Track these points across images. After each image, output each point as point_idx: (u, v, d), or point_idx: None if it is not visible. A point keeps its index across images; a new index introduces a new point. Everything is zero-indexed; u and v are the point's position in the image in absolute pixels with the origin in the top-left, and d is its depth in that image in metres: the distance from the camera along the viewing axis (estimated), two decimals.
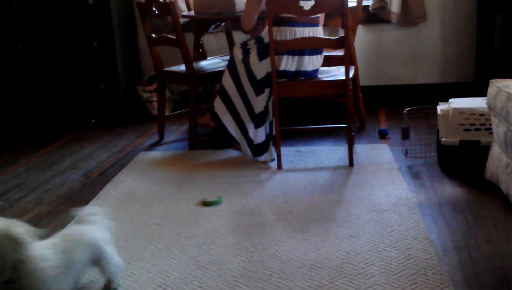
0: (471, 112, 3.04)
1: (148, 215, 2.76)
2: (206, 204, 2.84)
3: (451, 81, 4.72)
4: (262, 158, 3.44)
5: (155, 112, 4.67)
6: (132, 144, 4.02)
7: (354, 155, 3.38)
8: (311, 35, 3.34)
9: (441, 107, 3.21)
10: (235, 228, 2.57)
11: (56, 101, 4.63)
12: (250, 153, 3.46)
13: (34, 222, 2.78)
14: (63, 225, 2.70)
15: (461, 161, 3.08)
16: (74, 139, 4.24)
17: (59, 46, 4.55)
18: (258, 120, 3.43)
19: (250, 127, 3.45)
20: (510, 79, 2.74)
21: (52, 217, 2.84)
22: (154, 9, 3.75)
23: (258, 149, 3.44)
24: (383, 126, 4.05)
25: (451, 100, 3.22)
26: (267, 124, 3.45)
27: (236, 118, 3.50)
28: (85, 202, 2.97)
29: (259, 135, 3.44)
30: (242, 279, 2.13)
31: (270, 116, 3.43)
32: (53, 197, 3.11)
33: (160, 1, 3.69)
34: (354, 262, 2.21)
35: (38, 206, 2.99)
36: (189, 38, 4.24)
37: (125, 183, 3.20)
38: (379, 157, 3.40)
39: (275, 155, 3.39)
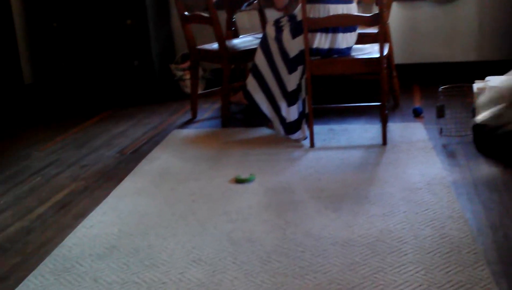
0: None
1: (182, 192, 2.79)
2: (239, 181, 2.86)
3: (488, 59, 4.63)
4: (294, 136, 3.44)
5: (188, 90, 4.70)
6: (165, 121, 4.05)
7: (387, 134, 3.35)
8: (345, 12, 3.30)
9: (477, 85, 3.16)
10: (268, 206, 2.58)
11: (91, 79, 4.69)
12: (282, 131, 3.47)
13: (71, 198, 2.84)
14: (98, 201, 2.76)
15: (497, 140, 3.02)
16: (108, 116, 4.29)
17: (93, 24, 4.59)
18: (291, 98, 3.42)
19: (283, 105, 3.44)
20: None
21: (88, 193, 2.89)
22: None
23: (291, 127, 3.44)
24: (418, 104, 4.00)
25: (487, 78, 3.16)
26: (300, 102, 3.44)
27: (269, 96, 3.50)
28: (120, 178, 3.02)
29: (291, 113, 3.43)
30: (275, 255, 2.14)
31: (303, 94, 3.42)
32: (89, 173, 3.17)
33: None
34: (387, 240, 2.20)
35: (74, 182, 3.05)
36: (222, 16, 4.23)
37: (159, 160, 3.24)
38: (413, 135, 3.37)
39: (307, 133, 3.39)
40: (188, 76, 4.69)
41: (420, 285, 1.89)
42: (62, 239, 2.38)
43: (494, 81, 3.06)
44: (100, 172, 3.17)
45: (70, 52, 4.68)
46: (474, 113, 3.14)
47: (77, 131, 3.97)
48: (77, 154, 3.49)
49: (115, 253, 2.25)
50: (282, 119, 3.45)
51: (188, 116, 4.13)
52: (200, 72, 4.75)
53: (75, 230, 2.46)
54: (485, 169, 2.83)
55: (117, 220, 2.53)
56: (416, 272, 1.97)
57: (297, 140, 3.41)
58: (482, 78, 3.42)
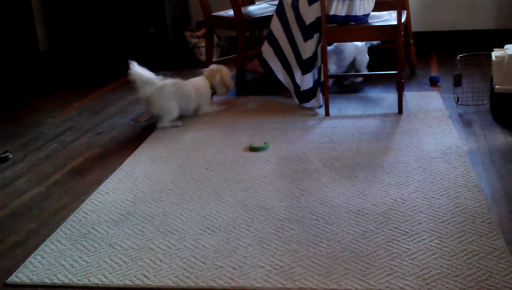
0: None
1: (196, 159, 2.80)
2: (253, 149, 2.86)
3: (507, 27, 4.54)
4: (309, 104, 3.42)
5: (203, 57, 4.66)
6: None
7: (403, 103, 3.32)
8: None
9: (496, 53, 3.11)
10: (282, 174, 2.58)
11: (106, 46, 4.68)
12: (296, 99, 3.45)
13: (86, 164, 2.86)
14: (114, 168, 2.77)
15: None
16: (123, 84, 4.29)
17: None
18: (306, 66, 3.39)
19: (297, 73, 3.42)
20: None
21: (103, 159, 2.91)
22: None
23: (304, 95, 3.42)
24: (434, 73, 3.95)
25: (506, 46, 3.11)
26: (315, 70, 3.42)
27: (284, 64, 3.47)
28: (135, 145, 3.03)
29: (306, 81, 3.40)
30: (289, 223, 2.15)
31: (319, 62, 3.39)
32: (104, 140, 3.18)
33: None
34: (401, 209, 2.20)
35: (90, 149, 3.07)
36: None
37: (173, 128, 3.24)
38: (429, 104, 3.34)
39: (322, 102, 3.37)
40: (203, 44, 4.66)
41: (433, 254, 1.90)
42: (78, 205, 2.41)
43: None
44: (115, 139, 3.18)
45: (85, 19, 4.66)
46: (492, 82, 3.09)
47: (92, 99, 3.98)
48: (92, 121, 3.51)
49: (130, 219, 2.27)
50: (296, 87, 3.43)
51: None
52: (215, 40, 4.72)
53: (91, 196, 2.49)
54: (501, 139, 2.81)
55: (132, 187, 2.55)
56: (430, 241, 1.97)
57: (312, 109, 3.39)
58: (500, 46, 3.36)
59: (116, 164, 2.83)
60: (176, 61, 4.70)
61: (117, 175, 2.68)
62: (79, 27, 4.68)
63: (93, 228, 2.23)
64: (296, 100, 3.45)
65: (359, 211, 2.21)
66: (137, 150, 2.97)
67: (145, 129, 3.29)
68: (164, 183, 2.57)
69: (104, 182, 2.61)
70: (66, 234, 2.19)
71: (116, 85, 4.27)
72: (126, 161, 2.84)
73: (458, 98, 3.27)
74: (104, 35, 4.66)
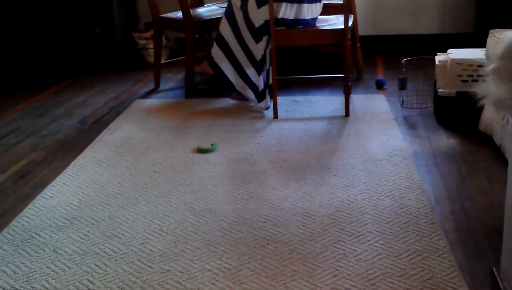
0: (469, 63, 3.01)
1: (144, 162, 2.77)
2: (201, 151, 2.85)
3: (450, 31, 4.67)
4: (261, 104, 3.43)
5: (151, 59, 4.63)
6: (128, 91, 4.00)
7: (350, 105, 3.37)
8: None
9: (439, 57, 3.19)
10: (231, 176, 2.58)
11: (52, 47, 4.58)
12: (252, 97, 3.44)
13: (30, 168, 2.79)
14: (59, 171, 2.72)
15: (457, 113, 3.07)
16: (69, 85, 4.22)
17: None
18: (259, 66, 3.40)
19: (251, 72, 3.41)
20: (510, 30, 2.72)
21: (48, 163, 2.85)
22: None
23: (261, 95, 3.43)
24: (381, 76, 4.03)
25: (449, 50, 3.20)
26: (264, 73, 3.43)
27: (235, 65, 3.47)
28: (81, 148, 2.97)
29: (260, 81, 3.42)
30: (237, 226, 2.15)
31: (267, 65, 3.41)
32: (48, 143, 3.11)
33: None
34: (348, 210, 2.23)
35: (34, 151, 3.00)
36: None
37: (121, 130, 3.20)
38: (376, 107, 3.40)
39: (271, 104, 3.39)
40: (151, 45, 4.62)
41: (378, 255, 1.93)
42: (21, 210, 2.35)
43: (455, 54, 3.09)
44: (60, 142, 3.12)
45: (30, 19, 4.55)
46: (435, 85, 3.17)
47: (37, 100, 3.89)
48: (37, 124, 3.42)
49: (75, 223, 2.23)
50: (253, 86, 3.43)
51: (151, 85, 4.08)
52: (164, 41, 4.69)
53: (34, 200, 2.43)
54: (444, 141, 2.88)
55: (78, 191, 2.50)
56: (375, 242, 2.01)
57: (260, 111, 3.40)
58: (444, 50, 3.45)
59: (61, 167, 2.77)
60: (124, 63, 4.64)
61: (62, 179, 2.62)
62: (23, 27, 4.56)
63: (36, 233, 2.17)
64: (253, 99, 3.44)
65: (306, 213, 2.23)
66: (83, 153, 2.92)
67: (92, 132, 3.23)
68: (110, 187, 2.53)
69: (49, 186, 2.56)
70: (8, 240, 2.13)
71: (62, 87, 4.18)
72: (71, 164, 2.79)
73: (403, 101, 3.34)
74: (50, 36, 4.56)
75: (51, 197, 2.45)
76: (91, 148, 2.98)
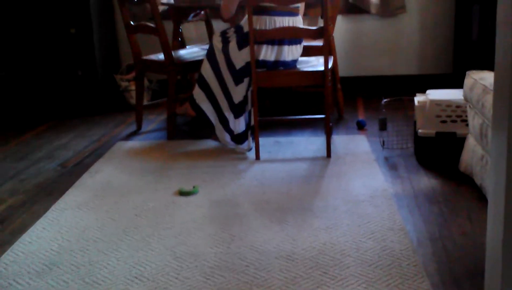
0: (448, 104, 3.06)
1: (125, 205, 2.75)
2: (182, 193, 2.83)
3: (429, 72, 4.75)
4: (243, 145, 3.44)
5: (133, 101, 4.64)
6: (109, 133, 3.99)
7: (332, 146, 3.39)
8: (291, 24, 3.33)
9: (418, 98, 3.23)
10: (213, 219, 2.57)
11: (33, 89, 4.57)
12: (228, 140, 3.46)
13: (9, 212, 2.75)
14: (38, 215, 2.68)
15: (437, 153, 3.10)
16: (50, 127, 4.20)
17: (35, 32, 4.48)
18: (238, 110, 3.43)
19: (230, 117, 3.44)
20: (486, 71, 2.77)
21: (27, 207, 2.81)
22: None
23: (239, 138, 3.44)
24: (361, 117, 4.07)
25: (428, 91, 3.24)
26: (246, 114, 3.45)
27: (216, 107, 3.49)
28: (61, 192, 2.94)
29: (239, 125, 3.43)
30: (219, 270, 2.13)
31: (249, 106, 3.43)
32: (28, 186, 3.08)
33: None
34: (330, 253, 2.22)
35: (14, 195, 2.96)
36: (168, 26, 4.21)
37: (102, 173, 3.18)
38: (357, 148, 3.42)
39: (253, 145, 3.40)
40: (133, 87, 4.64)
41: None
42: None
43: (434, 95, 3.14)
44: (40, 186, 3.09)
45: (11, 60, 4.55)
46: (415, 125, 3.21)
47: (17, 143, 3.86)
48: (16, 167, 3.39)
49: (54, 270, 2.19)
50: (230, 131, 3.45)
51: (133, 127, 4.08)
52: (146, 83, 4.71)
53: (13, 246, 2.38)
54: (425, 181, 2.90)
55: (57, 236, 2.46)
56: (358, 285, 1.99)
57: (243, 153, 3.41)
58: (423, 91, 3.51)
59: (40, 211, 2.73)
60: (106, 105, 4.64)
61: (41, 223, 2.59)
62: (4, 69, 4.56)
63: (14, 280, 2.13)
64: (228, 142, 3.46)
65: (289, 256, 2.21)
66: (63, 196, 2.89)
67: (73, 175, 3.20)
68: (91, 231, 2.50)
69: (28, 231, 2.52)
70: None
71: (44, 129, 4.16)
72: (51, 208, 2.75)
73: (383, 141, 3.37)
74: (31, 77, 4.56)
75: (30, 242, 2.41)
76: (71, 191, 2.95)
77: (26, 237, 2.47)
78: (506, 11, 1.49)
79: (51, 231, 2.51)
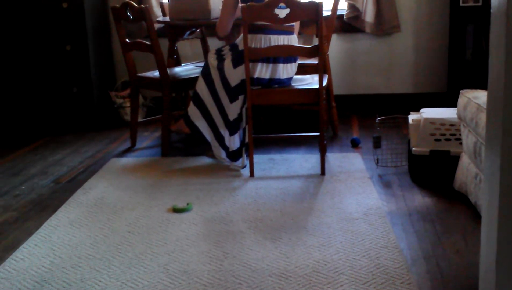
0: (442, 122, 3.07)
1: (118, 222, 2.73)
2: (176, 210, 2.83)
3: (423, 91, 4.77)
4: (238, 162, 3.44)
5: (128, 118, 4.64)
6: (104, 150, 3.98)
7: (326, 164, 3.39)
8: (286, 43, 3.35)
9: (412, 117, 3.24)
10: (206, 236, 2.56)
11: (28, 105, 4.57)
12: (224, 157, 3.46)
13: (1, 229, 2.73)
14: (31, 232, 2.66)
15: (431, 171, 3.11)
16: (45, 144, 4.19)
17: (32, 49, 4.49)
18: (233, 127, 3.43)
19: (225, 134, 3.44)
20: (480, 90, 2.78)
21: (20, 223, 2.80)
22: (128, 14, 3.72)
23: (234, 155, 3.44)
24: (356, 135, 4.08)
25: (422, 110, 3.25)
26: (241, 131, 3.45)
27: (211, 124, 3.49)
28: (54, 209, 2.93)
29: (234, 142, 3.44)
30: (212, 288, 2.12)
31: (244, 124, 3.43)
32: (22, 203, 3.06)
33: (135, 6, 3.67)
34: (324, 271, 2.21)
35: (7, 212, 2.95)
36: (164, 44, 4.22)
37: (95, 190, 3.17)
38: (351, 166, 3.42)
39: (247, 162, 3.39)
40: (128, 104, 4.64)
41: None
42: None
43: (428, 113, 3.15)
44: (33, 202, 3.07)
45: (7, 77, 4.55)
46: (409, 144, 3.21)
47: (11, 159, 3.85)
48: (10, 183, 3.38)
49: (46, 287, 2.17)
50: (225, 148, 3.45)
51: (128, 144, 4.07)
52: (141, 100, 4.71)
53: (5, 263, 2.37)
54: (419, 199, 2.90)
55: (49, 252, 2.45)
56: None
57: (237, 170, 3.40)
58: (417, 109, 3.52)
59: (33, 228, 2.72)
60: (101, 121, 4.64)
61: (33, 240, 2.57)
62: (0, 85, 4.56)
63: None
64: (224, 159, 3.46)
65: (282, 273, 2.20)
66: (56, 213, 2.87)
67: (66, 191, 3.19)
68: (83, 248, 2.48)
69: (19, 248, 2.50)
70: None
71: (38, 145, 4.15)
72: (44, 224, 2.74)
73: (378, 159, 3.37)
74: (27, 94, 4.56)
75: (22, 259, 2.40)
76: (64, 208, 2.93)
77: (18, 253, 2.45)
78: (499, 32, 1.50)
79: (43, 248, 2.49)
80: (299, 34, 3.90)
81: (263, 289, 2.10)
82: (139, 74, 3.94)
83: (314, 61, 3.88)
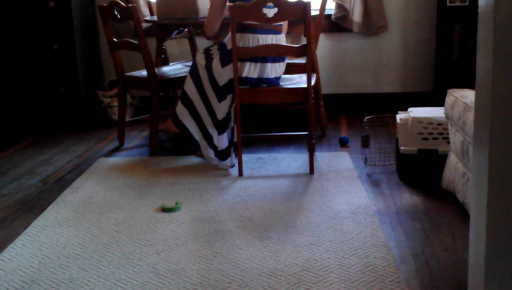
0: (429, 121, 3.09)
1: (106, 222, 2.72)
2: (165, 210, 2.82)
3: (411, 90, 4.80)
4: (226, 162, 3.44)
5: (115, 117, 4.62)
6: (91, 149, 3.96)
7: (314, 163, 3.40)
8: (274, 42, 3.35)
9: (400, 116, 3.26)
10: (195, 235, 2.55)
11: (16, 105, 4.54)
12: (212, 156, 3.45)
13: None
14: (18, 232, 2.64)
15: (419, 170, 3.12)
16: (32, 143, 4.16)
17: (18, 48, 4.46)
18: (221, 127, 3.43)
19: (214, 133, 3.44)
20: (467, 89, 2.80)
21: (7, 223, 2.77)
22: (116, 13, 3.71)
23: (223, 154, 3.44)
24: (344, 134, 4.09)
25: (410, 109, 3.27)
26: (229, 130, 3.45)
27: (199, 124, 3.48)
28: (42, 208, 2.91)
29: (222, 141, 3.43)
30: (201, 287, 2.11)
31: (232, 123, 3.43)
32: (9, 203, 3.04)
33: (123, 5, 3.66)
34: (313, 269, 2.22)
35: None
36: (152, 43, 4.21)
37: (83, 189, 3.15)
38: (339, 165, 3.43)
39: (236, 162, 3.39)
40: (115, 103, 4.62)
41: None
42: None
43: (416, 112, 3.16)
44: (21, 202, 3.05)
45: None
46: (397, 143, 3.23)
47: None
48: None
49: (34, 287, 2.16)
50: (213, 147, 3.45)
51: (115, 143, 4.05)
52: (128, 99, 4.69)
53: None
54: (407, 198, 2.91)
55: (37, 252, 2.43)
56: None
57: (226, 169, 3.40)
58: (405, 109, 3.54)
59: (20, 228, 2.70)
60: (88, 120, 4.62)
61: (21, 240, 2.55)
62: None
63: None
64: (212, 158, 3.45)
65: (271, 272, 2.20)
66: (43, 213, 2.86)
67: (53, 191, 3.17)
68: (71, 248, 2.47)
69: (7, 248, 2.48)
70: None
71: (26, 145, 4.12)
72: (31, 224, 2.72)
73: (366, 158, 3.38)
74: (13, 93, 4.53)
75: (9, 259, 2.38)
76: (52, 207, 2.92)
77: (5, 253, 2.43)
78: (486, 32, 1.51)
79: (31, 248, 2.47)
80: (288, 33, 3.90)
81: (253, 288, 2.10)
82: (127, 74, 3.93)
83: (302, 60, 3.88)
